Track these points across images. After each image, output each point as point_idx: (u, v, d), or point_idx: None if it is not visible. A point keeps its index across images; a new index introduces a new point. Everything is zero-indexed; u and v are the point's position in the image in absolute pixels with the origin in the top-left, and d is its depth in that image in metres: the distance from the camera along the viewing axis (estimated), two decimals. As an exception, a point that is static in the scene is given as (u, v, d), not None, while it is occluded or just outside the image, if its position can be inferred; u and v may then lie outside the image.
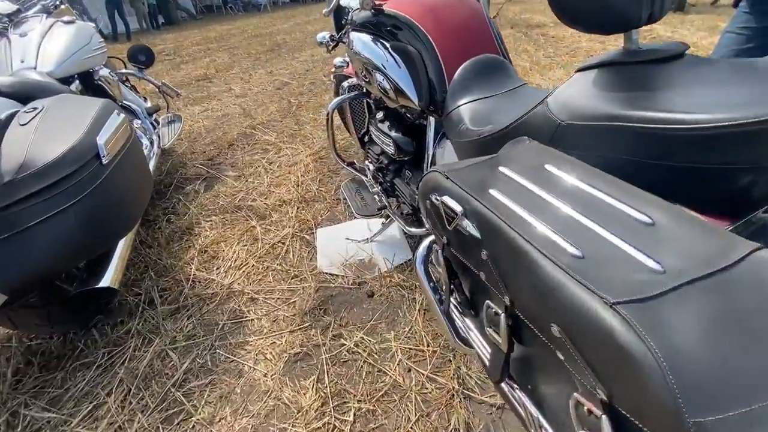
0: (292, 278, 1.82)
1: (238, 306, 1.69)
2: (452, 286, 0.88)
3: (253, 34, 10.16)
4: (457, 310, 0.96)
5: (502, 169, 0.72)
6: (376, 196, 1.87)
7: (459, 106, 1.27)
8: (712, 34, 6.09)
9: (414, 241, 1.98)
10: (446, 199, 0.74)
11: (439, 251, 0.85)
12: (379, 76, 1.51)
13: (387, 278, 1.79)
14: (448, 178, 0.76)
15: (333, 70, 2.54)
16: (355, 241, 2.04)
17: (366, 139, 2.09)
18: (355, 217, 2.24)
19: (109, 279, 1.46)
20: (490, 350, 0.77)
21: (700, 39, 5.91)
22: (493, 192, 0.66)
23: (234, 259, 1.97)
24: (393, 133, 1.65)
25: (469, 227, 0.68)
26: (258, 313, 1.65)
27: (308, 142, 3.30)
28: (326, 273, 1.84)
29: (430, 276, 1.03)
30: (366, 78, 1.63)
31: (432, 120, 1.45)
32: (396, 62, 1.44)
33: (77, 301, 1.50)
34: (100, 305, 1.66)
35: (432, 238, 1.03)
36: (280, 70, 5.98)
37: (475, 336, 0.88)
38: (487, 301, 0.70)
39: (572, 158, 0.66)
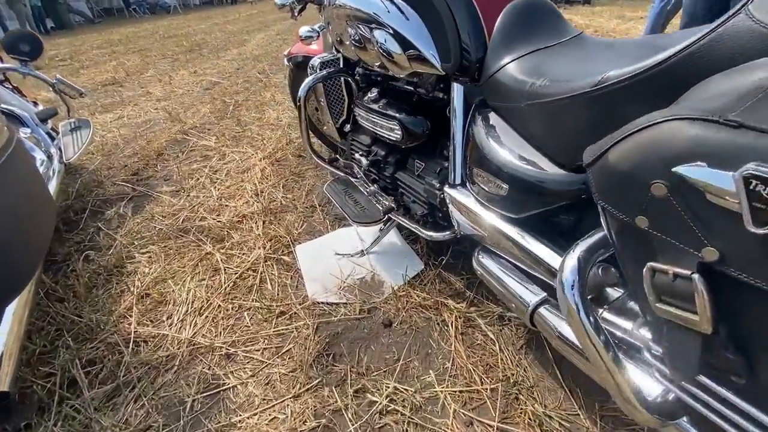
0: (278, 317, 1.37)
1: (209, 369, 1.20)
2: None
3: (166, 36, 9.08)
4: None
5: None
6: (375, 198, 1.48)
7: (509, 63, 0.94)
8: (624, 21, 6.61)
9: (425, 247, 1.62)
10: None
11: (691, 275, 0.48)
12: (379, 35, 1.12)
13: (402, 298, 1.41)
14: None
15: (288, 52, 2.10)
16: (348, 255, 1.63)
17: (348, 128, 1.69)
18: (344, 225, 1.82)
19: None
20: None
21: (617, 25, 6.34)
22: None
23: (191, 301, 1.46)
24: (397, 114, 1.27)
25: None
26: (241, 375, 1.18)
27: (258, 144, 2.79)
28: (322, 303, 1.41)
29: (589, 312, 0.66)
30: (357, 42, 1.24)
31: (459, 88, 1.10)
32: (404, 13, 1.07)
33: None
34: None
35: (586, 246, 0.67)
36: (205, 70, 5.27)
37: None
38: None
39: None
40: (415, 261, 1.58)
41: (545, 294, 0.92)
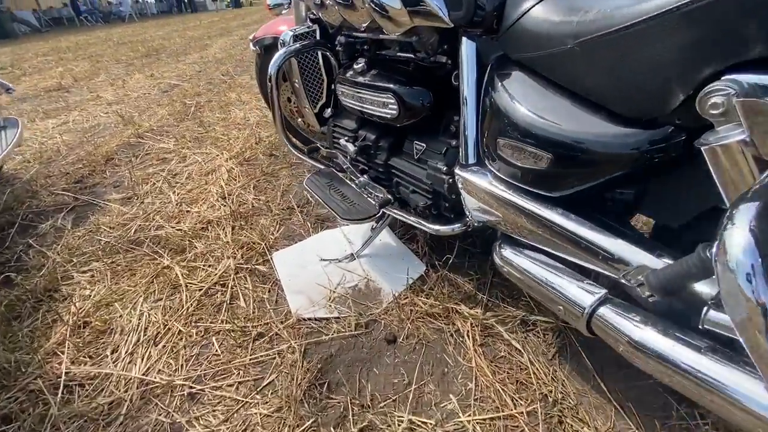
0: (255, 341, 1.11)
1: (167, 416, 0.93)
2: None
3: (120, 42, 8.54)
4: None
5: None
6: (367, 190, 1.26)
7: (537, 4, 0.74)
8: None
9: (424, 246, 1.40)
10: None
11: None
12: (370, -16, 0.91)
13: (405, 307, 1.18)
14: None
15: (253, 36, 1.85)
16: (335, 260, 1.39)
17: (328, 112, 1.46)
18: (328, 227, 1.58)
19: None
20: None
21: None
22: None
23: (143, 328, 1.17)
24: (391, 85, 1.06)
25: None
26: (209, 421, 0.91)
27: (223, 145, 2.50)
28: (308, 319, 1.17)
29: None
30: (345, 2, 1.01)
31: (470, 45, 0.89)
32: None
33: None
34: None
35: (755, 210, 0.44)
36: (163, 74, 4.89)
37: None
38: None
39: None
40: (416, 262, 1.35)
41: (604, 291, 0.72)
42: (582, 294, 0.73)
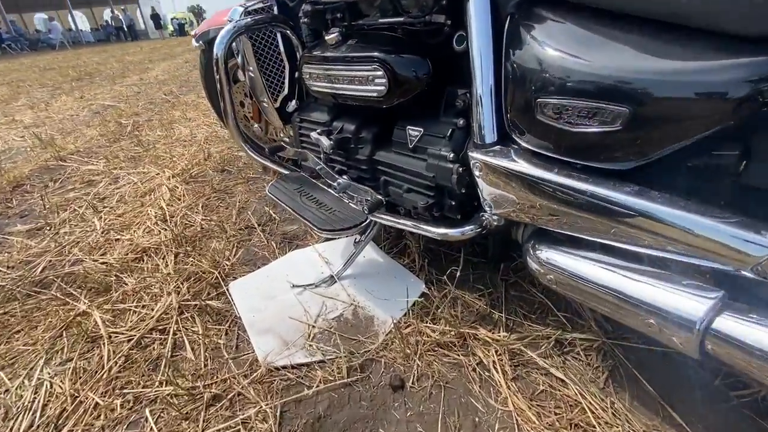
0: (209, 407, 0.79)
1: None
2: None
3: (47, 68, 7.83)
4: None
5: None
6: (348, 194, 1.00)
7: None
8: None
9: (419, 260, 1.15)
10: None
11: None
12: None
13: (410, 337, 0.92)
14: None
15: (194, 33, 1.58)
16: (311, 286, 1.10)
17: (293, 105, 1.20)
18: (297, 246, 1.29)
19: None
20: None
21: None
22: None
23: (39, 406, 0.81)
24: (378, 53, 0.83)
25: None
26: None
27: (165, 163, 2.15)
28: (282, 368, 0.87)
29: None
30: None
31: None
32: None
33: None
34: None
35: None
36: (96, 95, 4.41)
37: None
38: None
39: None
40: (412, 279, 1.10)
41: (721, 292, 0.51)
42: (687, 300, 0.52)
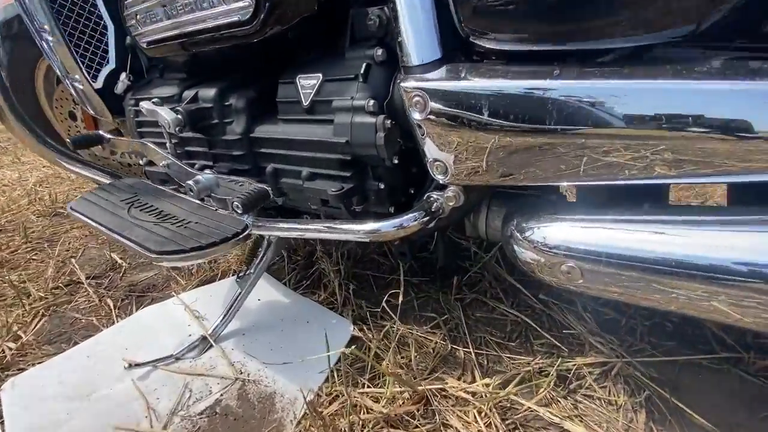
0: None
1: None
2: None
3: None
4: None
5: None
6: (215, 195, 0.61)
7: None
8: None
9: (329, 287, 0.79)
10: None
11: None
12: None
13: (339, 417, 0.54)
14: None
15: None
16: (165, 360, 0.66)
17: (124, 79, 0.81)
18: (152, 300, 0.82)
19: None
20: None
21: None
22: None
23: None
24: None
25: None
26: None
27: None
28: None
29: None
30: None
31: None
32: None
33: None
34: None
35: None
36: None
37: None
38: None
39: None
40: (334, 320, 0.73)
41: None
42: None
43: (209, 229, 0.56)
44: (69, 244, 1.17)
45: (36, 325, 0.77)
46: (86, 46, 0.80)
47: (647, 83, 0.33)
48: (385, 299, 0.71)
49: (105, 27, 0.80)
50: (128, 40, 0.78)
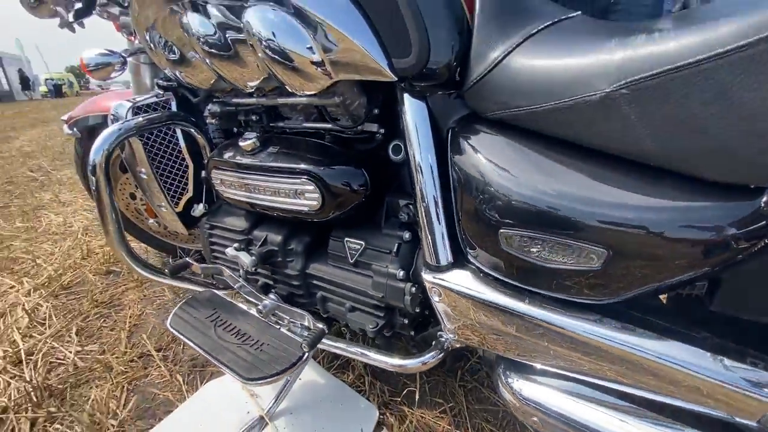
0: None
1: None
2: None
3: None
4: None
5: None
6: (279, 315, 0.83)
7: (519, 45, 0.55)
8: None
9: (364, 375, 0.99)
10: None
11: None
12: (265, 26, 0.61)
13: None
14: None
15: (68, 116, 1.33)
16: (236, 437, 0.86)
17: (199, 210, 1.02)
18: (215, 375, 1.03)
19: None
20: None
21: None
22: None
23: None
24: (307, 166, 0.73)
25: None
26: None
27: (26, 268, 1.70)
28: None
29: None
30: (218, 47, 0.68)
31: (417, 105, 0.64)
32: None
33: None
34: None
35: None
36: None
37: None
38: None
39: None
40: (363, 405, 0.93)
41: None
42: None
43: (278, 353, 0.77)
44: (130, 309, 1.38)
45: (127, 403, 0.98)
46: (169, 178, 1.02)
47: (589, 326, 0.54)
48: (405, 390, 0.92)
49: (184, 164, 1.02)
50: (203, 175, 0.99)
